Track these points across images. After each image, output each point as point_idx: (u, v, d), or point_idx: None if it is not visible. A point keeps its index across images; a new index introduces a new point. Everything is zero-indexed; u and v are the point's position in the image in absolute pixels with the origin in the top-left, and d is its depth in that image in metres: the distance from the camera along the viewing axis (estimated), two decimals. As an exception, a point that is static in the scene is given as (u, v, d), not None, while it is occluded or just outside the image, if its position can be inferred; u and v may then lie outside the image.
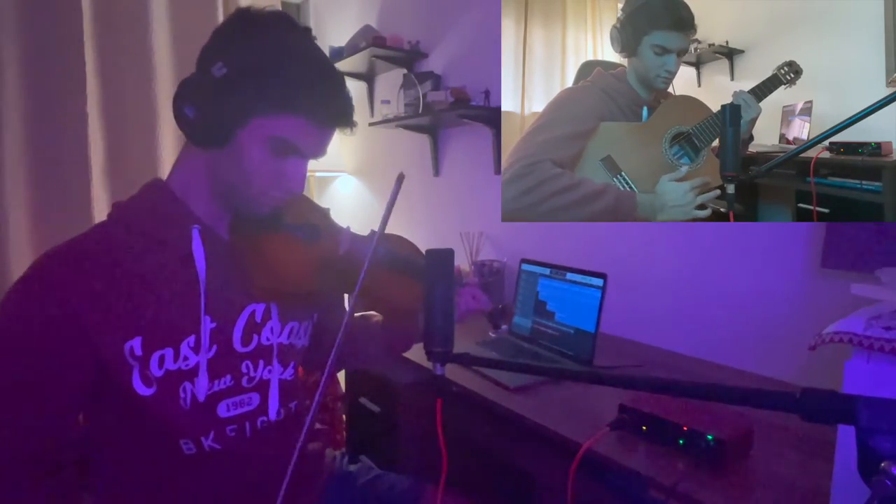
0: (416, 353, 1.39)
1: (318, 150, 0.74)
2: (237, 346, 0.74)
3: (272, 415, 0.78)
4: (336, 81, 0.72)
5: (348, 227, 0.89)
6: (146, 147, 1.88)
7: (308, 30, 0.73)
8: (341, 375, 1.96)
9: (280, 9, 0.73)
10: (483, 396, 1.10)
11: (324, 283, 0.79)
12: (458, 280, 0.92)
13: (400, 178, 0.65)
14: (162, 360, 0.67)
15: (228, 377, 0.73)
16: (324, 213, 0.89)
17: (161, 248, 0.70)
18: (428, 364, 0.64)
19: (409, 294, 0.86)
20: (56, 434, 0.67)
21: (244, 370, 0.75)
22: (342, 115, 0.73)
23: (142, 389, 0.67)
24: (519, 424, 1.02)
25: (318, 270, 0.79)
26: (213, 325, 0.72)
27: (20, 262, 1.69)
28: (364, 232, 0.89)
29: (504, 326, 1.57)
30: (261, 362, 0.77)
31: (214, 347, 0.72)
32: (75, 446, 0.73)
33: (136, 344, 0.66)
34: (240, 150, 0.69)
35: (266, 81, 0.67)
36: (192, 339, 0.69)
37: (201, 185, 0.74)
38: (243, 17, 0.70)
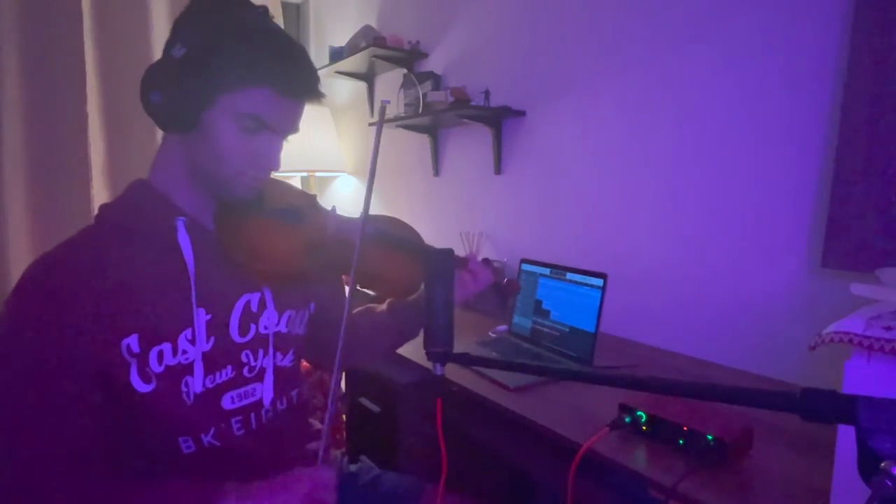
0: (417, 353, 1.38)
1: (289, 124, 0.73)
2: (235, 336, 0.75)
3: (266, 402, 0.78)
4: (297, 53, 0.71)
5: (334, 208, 0.89)
6: (146, 147, 1.88)
7: (265, 9, 0.72)
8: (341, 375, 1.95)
9: None
10: (483, 396, 1.10)
11: (313, 264, 0.80)
12: (456, 262, 0.91)
13: (383, 107, 0.72)
14: (161, 355, 0.67)
15: (229, 368, 0.74)
16: (310, 198, 0.89)
17: (148, 244, 0.70)
18: (428, 364, 0.64)
19: (405, 270, 0.87)
20: (85, 435, 0.65)
21: (244, 360, 0.76)
22: (307, 86, 0.72)
23: (140, 386, 0.67)
24: (519, 424, 1.02)
25: (305, 251, 0.80)
26: (209, 316, 0.72)
27: (20, 262, 1.69)
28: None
29: (504, 327, 1.57)
30: (260, 352, 0.78)
31: (212, 339, 0.72)
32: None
33: (132, 341, 0.66)
34: (210, 132, 0.68)
35: (226, 57, 0.66)
36: (188, 331, 0.70)
37: (181, 177, 0.74)
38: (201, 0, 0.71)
